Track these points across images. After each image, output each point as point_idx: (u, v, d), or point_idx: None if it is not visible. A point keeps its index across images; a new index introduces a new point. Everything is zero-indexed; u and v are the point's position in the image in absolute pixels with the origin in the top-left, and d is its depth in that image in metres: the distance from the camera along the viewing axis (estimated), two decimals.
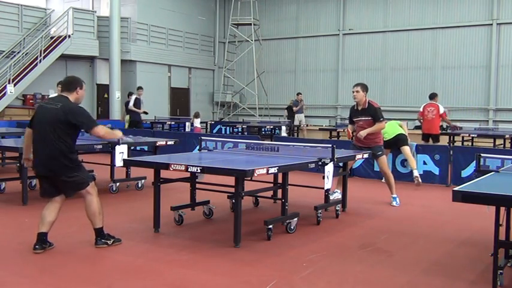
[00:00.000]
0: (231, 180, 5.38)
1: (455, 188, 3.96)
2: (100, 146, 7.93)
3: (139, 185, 8.67)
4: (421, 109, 12.52)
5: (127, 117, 16.79)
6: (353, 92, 7.49)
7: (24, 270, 4.60)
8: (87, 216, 5.14)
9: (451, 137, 13.50)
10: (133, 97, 16.57)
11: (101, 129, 5.03)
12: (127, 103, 16.80)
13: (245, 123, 17.08)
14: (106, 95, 20.24)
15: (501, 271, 4.18)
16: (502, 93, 18.57)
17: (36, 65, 17.56)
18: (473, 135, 13.47)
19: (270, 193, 7.12)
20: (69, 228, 5.88)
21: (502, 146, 13.36)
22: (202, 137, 7.62)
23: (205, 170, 5.37)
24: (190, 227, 6.17)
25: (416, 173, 9.25)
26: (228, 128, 18.29)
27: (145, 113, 16.89)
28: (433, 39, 19.70)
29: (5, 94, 16.83)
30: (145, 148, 10.71)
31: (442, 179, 9.75)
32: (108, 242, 5.17)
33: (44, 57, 17.73)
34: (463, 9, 19.06)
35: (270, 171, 5.37)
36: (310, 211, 6.46)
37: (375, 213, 7.21)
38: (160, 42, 22.03)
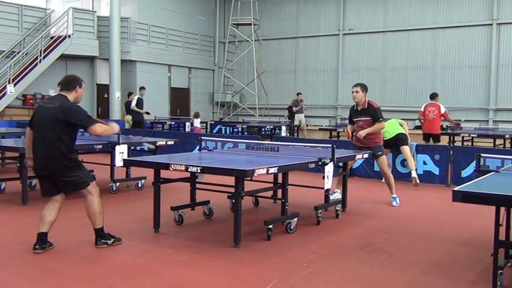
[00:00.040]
0: (231, 180, 5.38)
1: (455, 188, 3.96)
2: (100, 146, 7.93)
3: (139, 185, 8.67)
4: (422, 109, 12.52)
5: (127, 117, 16.81)
6: (352, 92, 7.49)
7: (24, 270, 4.60)
8: (87, 216, 5.14)
9: (451, 137, 13.50)
10: (135, 97, 16.61)
11: (99, 128, 5.01)
12: (127, 103, 16.83)
13: (245, 123, 17.08)
14: (106, 95, 20.24)
15: (501, 271, 4.18)
16: (502, 93, 18.57)
17: (36, 65, 17.57)
18: (473, 135, 13.48)
19: (270, 193, 7.12)
20: (69, 228, 5.88)
21: (502, 146, 13.36)
22: (202, 137, 7.62)
23: (205, 170, 5.37)
24: (190, 227, 6.18)
25: (414, 174, 9.24)
26: (228, 128, 18.29)
27: (148, 113, 16.92)
28: (433, 39, 19.70)
29: (5, 94, 16.84)
30: (145, 148, 10.72)
31: (442, 179, 9.75)
32: (108, 242, 5.16)
33: (44, 57, 17.73)
34: (463, 9, 19.06)
35: (270, 171, 5.37)
36: (310, 211, 6.46)
37: (375, 213, 7.21)
38: (160, 42, 22.03)
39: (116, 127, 5.34)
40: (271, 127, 16.62)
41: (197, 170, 5.38)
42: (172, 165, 5.42)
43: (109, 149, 7.96)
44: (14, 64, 17.34)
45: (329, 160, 6.18)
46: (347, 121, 8.27)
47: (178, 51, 22.83)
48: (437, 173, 9.82)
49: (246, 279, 4.40)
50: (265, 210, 7.14)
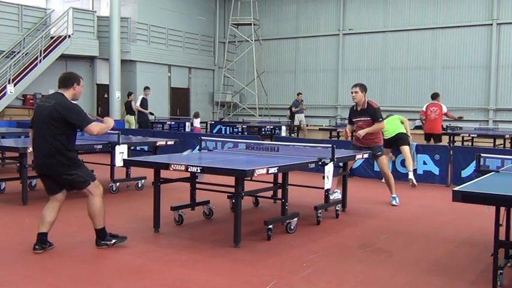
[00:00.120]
0: (231, 180, 5.38)
1: (455, 188, 3.96)
2: (100, 146, 7.93)
3: (139, 185, 8.67)
4: (423, 109, 12.52)
5: (127, 117, 16.83)
6: (352, 92, 7.48)
7: (24, 270, 4.60)
8: (88, 216, 5.13)
9: (451, 137, 13.51)
10: (140, 97, 16.65)
11: (95, 127, 4.95)
12: (127, 103, 16.85)
13: (245, 123, 17.09)
14: (106, 95, 20.24)
15: (501, 271, 4.18)
16: (502, 93, 18.57)
17: (36, 65, 17.57)
18: (473, 135, 13.48)
19: (270, 193, 7.12)
20: (69, 228, 5.88)
21: (502, 146, 13.36)
22: (202, 137, 7.62)
23: (205, 170, 5.37)
24: (190, 227, 6.17)
25: (411, 175, 9.24)
26: (228, 128, 18.29)
27: (152, 113, 16.95)
28: (433, 39, 19.70)
29: (5, 94, 16.84)
30: (145, 148, 10.73)
31: (442, 179, 9.75)
32: (109, 242, 5.12)
33: (44, 57, 17.73)
34: (463, 9, 19.06)
35: (270, 171, 5.37)
36: (310, 211, 6.46)
37: (375, 213, 7.21)
38: (160, 42, 22.03)
39: (111, 123, 5.25)
40: (271, 127, 16.62)
41: (197, 170, 5.38)
42: (172, 165, 5.42)
43: (109, 149, 7.96)
44: (14, 64, 17.34)
45: (329, 160, 6.18)
46: (347, 121, 8.27)
47: (178, 51, 22.83)
48: (437, 173, 9.82)
49: (246, 279, 4.40)
50: (265, 210, 7.14)
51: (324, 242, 5.65)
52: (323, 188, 6.44)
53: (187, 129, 17.15)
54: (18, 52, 17.91)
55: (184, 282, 4.33)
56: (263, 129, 16.36)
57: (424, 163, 9.94)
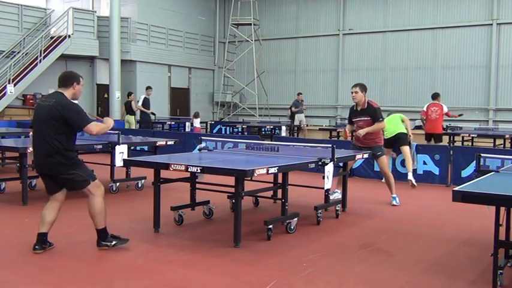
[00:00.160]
0: (231, 180, 5.38)
1: (455, 188, 3.96)
2: (100, 146, 7.93)
3: (139, 185, 8.67)
4: (424, 109, 12.52)
5: (127, 117, 16.83)
6: (352, 92, 7.47)
7: (24, 270, 4.60)
8: (89, 216, 5.11)
9: (451, 137, 13.51)
10: (142, 96, 16.66)
11: (94, 127, 4.94)
12: (127, 103, 16.85)
13: (245, 123, 17.09)
14: (106, 95, 20.24)
15: (501, 271, 4.18)
16: (502, 93, 18.57)
17: (36, 65, 17.56)
18: (473, 135, 13.48)
19: (270, 193, 7.12)
20: (70, 228, 5.88)
21: (502, 146, 13.37)
22: (202, 137, 7.62)
23: (205, 170, 5.37)
24: (190, 227, 6.17)
25: (410, 176, 9.23)
26: (228, 128, 18.29)
27: (153, 114, 16.94)
28: (433, 39, 19.70)
29: (5, 94, 16.84)
30: (145, 148, 10.73)
31: (442, 179, 9.75)
32: (109, 244, 5.08)
33: (44, 57, 17.73)
34: (463, 9, 19.06)
35: (270, 171, 5.37)
36: (310, 211, 6.46)
37: (375, 213, 7.21)
38: (160, 42, 22.02)
39: (111, 123, 5.24)
40: (271, 127, 16.62)
41: (197, 170, 5.38)
42: (172, 165, 5.42)
43: (109, 149, 7.95)
44: (14, 64, 17.34)
45: (329, 160, 6.18)
46: (347, 121, 8.26)
47: (178, 51, 22.83)
48: (437, 173, 9.82)
49: (246, 279, 4.40)
50: (265, 210, 7.14)
51: (324, 242, 5.65)
52: (323, 188, 6.44)
53: (187, 129, 17.16)
54: (18, 52, 17.90)
55: (184, 282, 4.33)
56: (263, 129, 16.37)
57: (424, 163, 9.94)
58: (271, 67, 23.43)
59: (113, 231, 5.33)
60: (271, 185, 6.89)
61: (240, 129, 16.31)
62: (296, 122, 19.13)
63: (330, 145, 6.42)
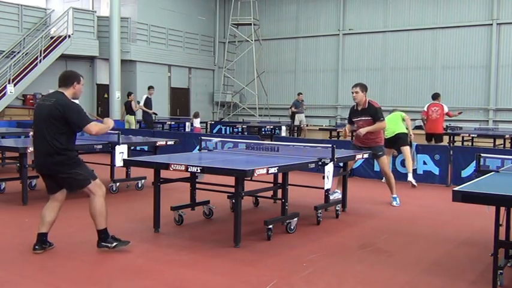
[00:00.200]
0: (231, 180, 5.38)
1: (455, 188, 3.96)
2: (100, 146, 7.93)
3: (139, 185, 8.67)
4: (425, 109, 12.52)
5: (127, 117, 16.83)
6: (352, 92, 7.46)
7: (24, 270, 4.60)
8: (90, 216, 5.09)
9: (451, 137, 13.51)
10: (144, 96, 16.67)
11: (94, 127, 4.92)
12: (127, 103, 16.86)
13: (245, 123, 17.10)
14: (106, 95, 20.25)
15: (501, 271, 4.18)
16: (502, 93, 18.58)
17: (36, 65, 17.58)
18: (473, 135, 13.48)
19: (270, 193, 7.12)
20: (70, 228, 5.88)
21: (502, 146, 13.37)
22: (202, 137, 7.62)
23: (205, 170, 5.37)
24: (190, 227, 6.17)
25: (410, 177, 9.22)
26: (228, 128, 18.30)
27: (155, 113, 16.94)
28: (433, 39, 19.70)
29: (5, 94, 16.85)
30: (146, 148, 10.73)
31: (442, 179, 9.75)
32: (110, 245, 5.04)
33: (44, 57, 17.74)
34: (463, 9, 19.07)
35: (270, 171, 5.37)
36: (310, 211, 6.46)
37: (375, 213, 7.21)
38: (160, 42, 22.04)
39: (110, 123, 5.22)
40: (271, 127, 16.62)
41: (197, 170, 5.38)
42: (172, 165, 5.41)
43: (109, 149, 7.95)
44: (14, 64, 17.35)
45: (329, 160, 6.18)
46: (347, 121, 8.26)
47: (178, 51, 22.84)
48: (437, 173, 9.82)
49: (246, 279, 4.40)
50: (265, 210, 7.14)
51: (324, 242, 5.65)
52: (323, 188, 6.44)
53: (187, 129, 17.16)
54: (18, 52, 17.92)
55: (184, 282, 4.33)
56: (263, 129, 16.37)
57: (424, 163, 9.94)
58: (271, 67, 23.44)
59: (113, 231, 5.32)
60: (271, 185, 6.89)
61: (240, 129, 16.31)
62: (296, 122, 19.12)
63: (330, 145, 6.42)
